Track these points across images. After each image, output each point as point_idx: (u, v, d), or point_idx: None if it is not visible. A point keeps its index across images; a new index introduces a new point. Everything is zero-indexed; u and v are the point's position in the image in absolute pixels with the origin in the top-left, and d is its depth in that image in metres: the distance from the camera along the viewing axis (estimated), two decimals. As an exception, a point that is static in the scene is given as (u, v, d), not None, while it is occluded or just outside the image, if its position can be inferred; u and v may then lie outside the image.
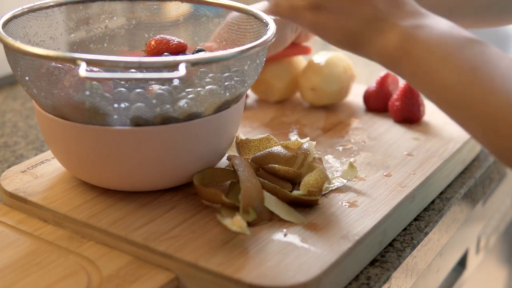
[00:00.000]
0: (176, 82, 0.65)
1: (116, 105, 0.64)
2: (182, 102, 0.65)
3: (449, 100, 0.59)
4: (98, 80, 0.62)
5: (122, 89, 0.65)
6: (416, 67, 0.60)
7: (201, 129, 0.68)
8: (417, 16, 0.62)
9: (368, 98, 0.95)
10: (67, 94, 0.64)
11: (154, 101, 0.64)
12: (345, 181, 0.74)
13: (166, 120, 0.65)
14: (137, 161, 0.67)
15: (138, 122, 0.65)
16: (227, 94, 0.68)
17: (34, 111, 0.92)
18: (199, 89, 0.66)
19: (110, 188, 0.71)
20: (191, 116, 0.66)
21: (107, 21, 0.81)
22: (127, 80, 0.63)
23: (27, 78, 0.66)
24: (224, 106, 0.69)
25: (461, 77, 0.58)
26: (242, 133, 0.85)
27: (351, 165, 0.76)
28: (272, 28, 0.72)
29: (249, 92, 0.97)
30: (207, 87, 0.66)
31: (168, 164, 0.68)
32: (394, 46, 0.61)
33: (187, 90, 0.66)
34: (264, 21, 0.75)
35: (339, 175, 0.75)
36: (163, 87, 0.66)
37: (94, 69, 0.63)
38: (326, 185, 0.73)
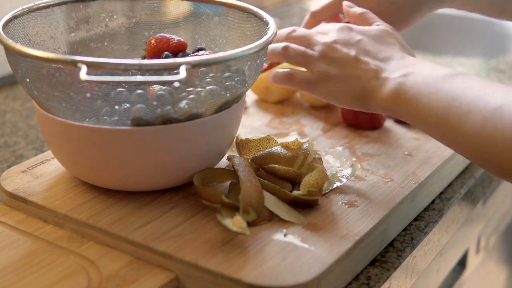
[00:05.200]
0: (177, 83, 0.65)
1: (117, 107, 0.64)
2: (182, 103, 0.65)
3: (437, 129, 0.65)
4: (99, 83, 0.62)
5: (123, 90, 0.65)
6: (410, 108, 0.66)
7: (201, 129, 0.68)
8: (404, 67, 0.69)
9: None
10: (67, 95, 0.64)
11: (155, 102, 0.64)
12: (345, 181, 0.74)
13: (166, 121, 0.65)
14: (137, 161, 0.67)
15: (139, 123, 0.65)
16: (228, 94, 0.68)
17: (34, 111, 0.92)
18: (199, 89, 0.66)
19: (110, 188, 0.71)
20: (192, 117, 0.66)
21: (107, 20, 0.81)
22: (127, 83, 0.63)
23: (27, 79, 0.66)
24: (224, 106, 0.69)
25: (444, 107, 0.64)
26: (242, 133, 0.85)
27: (351, 165, 0.76)
28: (272, 27, 0.72)
29: (249, 92, 0.97)
30: (207, 88, 0.66)
31: (168, 164, 0.68)
32: (390, 97, 0.68)
33: (187, 89, 0.66)
34: (265, 20, 0.74)
35: (339, 175, 0.75)
36: (163, 88, 0.65)
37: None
38: (326, 185, 0.73)
